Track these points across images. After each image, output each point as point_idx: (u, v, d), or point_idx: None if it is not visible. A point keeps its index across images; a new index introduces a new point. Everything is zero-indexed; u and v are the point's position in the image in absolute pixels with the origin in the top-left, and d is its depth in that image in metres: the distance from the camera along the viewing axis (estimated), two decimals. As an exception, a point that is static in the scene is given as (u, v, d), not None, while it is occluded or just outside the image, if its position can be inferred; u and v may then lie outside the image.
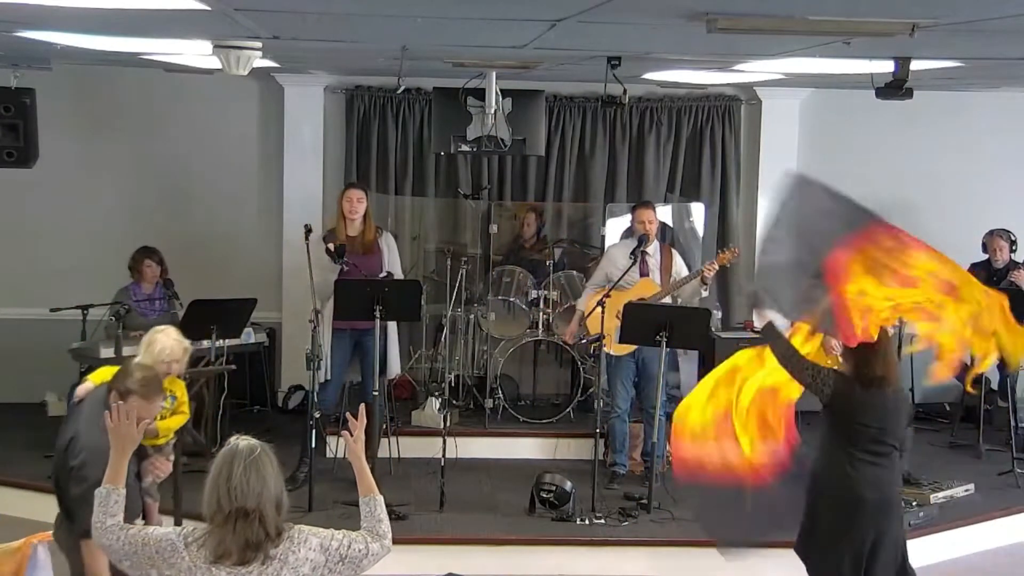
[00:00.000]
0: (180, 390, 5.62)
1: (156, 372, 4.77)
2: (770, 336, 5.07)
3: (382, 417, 7.54)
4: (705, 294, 7.72)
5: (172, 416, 5.59)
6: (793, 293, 5.13)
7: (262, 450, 3.39)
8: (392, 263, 7.58)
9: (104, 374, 5.02)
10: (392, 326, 7.56)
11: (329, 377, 7.35)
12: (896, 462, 5.09)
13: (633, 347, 7.47)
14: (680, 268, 7.74)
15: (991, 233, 8.70)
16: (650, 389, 7.49)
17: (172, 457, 5.45)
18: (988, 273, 8.63)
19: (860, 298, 4.77)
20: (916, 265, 4.82)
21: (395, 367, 7.64)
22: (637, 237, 7.62)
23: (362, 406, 3.77)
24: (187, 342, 5.36)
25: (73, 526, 4.53)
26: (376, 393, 7.16)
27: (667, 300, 7.59)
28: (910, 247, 4.84)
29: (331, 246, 7.20)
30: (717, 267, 7.59)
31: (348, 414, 3.70)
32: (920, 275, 4.81)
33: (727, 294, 9.56)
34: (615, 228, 8.99)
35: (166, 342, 5.21)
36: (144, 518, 4.68)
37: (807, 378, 4.94)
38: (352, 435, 3.63)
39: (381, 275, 7.42)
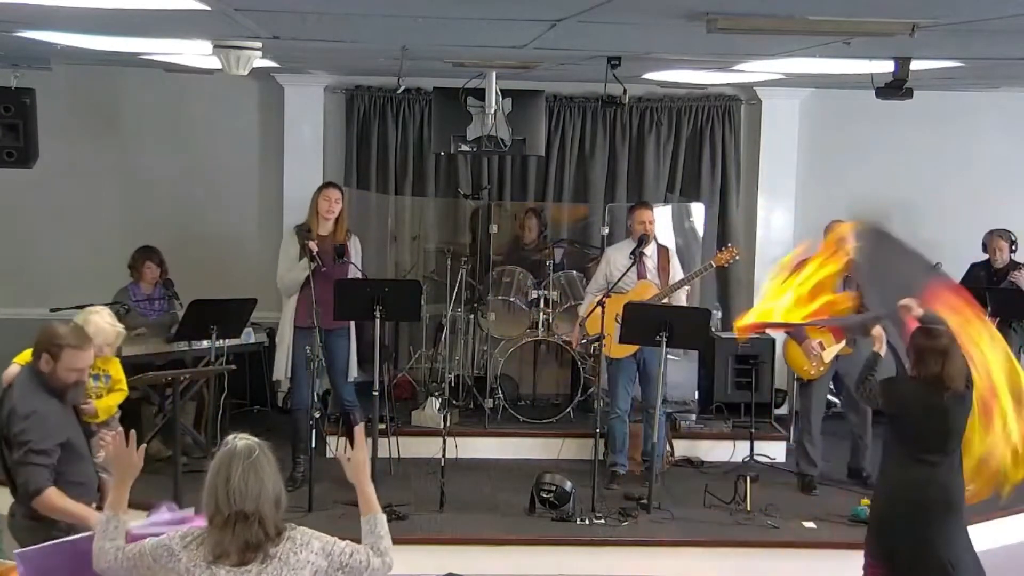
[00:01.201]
0: (113, 369, 5.74)
1: (81, 326, 4.86)
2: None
3: (363, 417, 7.35)
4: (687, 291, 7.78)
5: (109, 394, 5.72)
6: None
7: (260, 451, 3.39)
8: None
9: (28, 354, 5.04)
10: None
11: (290, 375, 7.38)
12: (952, 467, 5.04)
13: (633, 349, 7.47)
14: (676, 270, 7.74)
15: (991, 233, 8.70)
16: (650, 389, 7.50)
17: (120, 429, 5.48)
18: (988, 273, 8.65)
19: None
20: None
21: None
22: (636, 237, 7.63)
23: (359, 429, 3.73)
24: (120, 326, 5.51)
25: (17, 494, 4.55)
26: (376, 393, 7.16)
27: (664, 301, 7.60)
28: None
29: (313, 244, 7.15)
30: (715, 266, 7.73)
31: (354, 426, 3.70)
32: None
33: (727, 294, 9.55)
34: (615, 228, 8.97)
35: (100, 323, 5.34)
36: (100, 492, 4.68)
37: (872, 402, 5.41)
38: (347, 457, 3.63)
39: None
